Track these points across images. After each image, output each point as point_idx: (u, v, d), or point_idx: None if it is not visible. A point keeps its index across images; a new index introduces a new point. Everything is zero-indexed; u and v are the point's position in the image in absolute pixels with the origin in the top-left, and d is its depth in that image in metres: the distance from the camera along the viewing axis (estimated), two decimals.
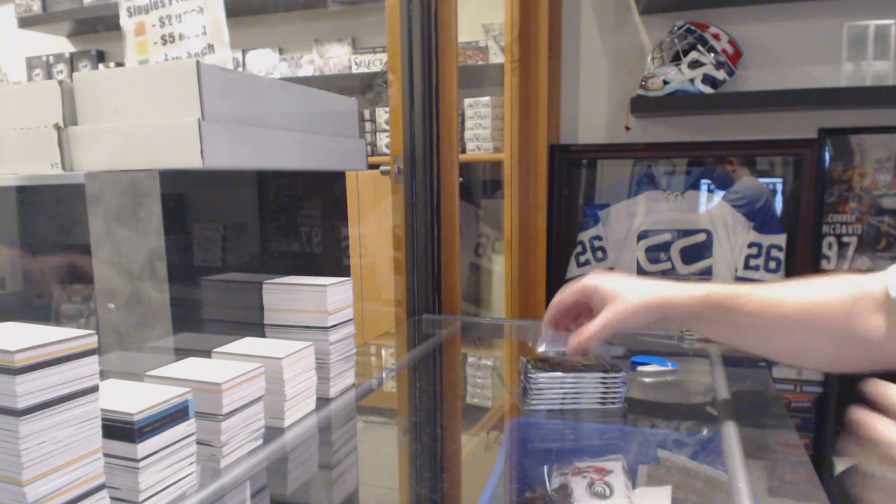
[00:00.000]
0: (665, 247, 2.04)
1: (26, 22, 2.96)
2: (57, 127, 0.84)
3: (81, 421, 0.56)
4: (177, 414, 0.66)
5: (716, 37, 1.88)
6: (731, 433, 0.84)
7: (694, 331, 0.85)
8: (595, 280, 0.84)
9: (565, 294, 0.88)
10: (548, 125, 2.00)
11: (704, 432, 0.92)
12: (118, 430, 0.61)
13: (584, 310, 0.89)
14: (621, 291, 0.81)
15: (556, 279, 2.13)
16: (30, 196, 1.03)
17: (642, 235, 2.06)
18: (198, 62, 0.79)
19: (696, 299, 0.79)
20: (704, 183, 2.03)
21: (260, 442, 0.81)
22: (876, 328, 0.70)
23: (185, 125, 0.79)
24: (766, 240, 1.93)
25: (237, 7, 2.65)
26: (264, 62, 2.77)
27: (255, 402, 0.79)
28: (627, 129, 2.05)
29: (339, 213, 1.27)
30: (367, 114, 2.50)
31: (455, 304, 1.68)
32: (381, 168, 1.78)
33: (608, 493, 0.64)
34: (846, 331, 0.72)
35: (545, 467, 0.77)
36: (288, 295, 0.97)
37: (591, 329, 0.81)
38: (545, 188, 2.03)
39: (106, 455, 0.60)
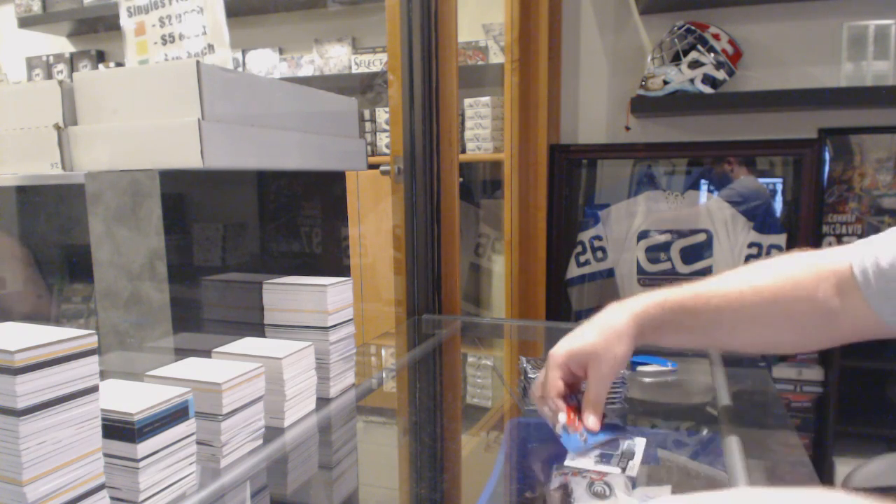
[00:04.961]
0: (665, 247, 2.04)
1: (26, 22, 2.96)
2: (57, 127, 0.84)
3: (81, 421, 0.56)
4: (177, 414, 0.66)
5: (716, 37, 1.88)
6: (731, 433, 0.84)
7: (659, 343, 0.79)
8: (562, 350, 0.78)
9: (550, 378, 0.78)
10: (548, 125, 2.00)
11: (704, 432, 0.92)
12: (118, 430, 0.61)
13: (572, 378, 0.81)
14: (592, 345, 0.76)
15: (556, 279, 2.13)
16: (30, 196, 1.03)
17: (642, 235, 2.06)
18: (198, 62, 0.79)
19: (655, 307, 0.77)
20: (704, 183, 2.03)
21: (260, 442, 0.81)
22: (839, 306, 0.71)
23: (185, 125, 0.79)
24: (766, 240, 1.93)
25: (237, 7, 2.65)
26: (264, 62, 2.77)
27: (255, 402, 0.79)
28: (627, 129, 2.05)
29: (339, 213, 1.27)
30: (367, 114, 2.50)
31: (455, 304, 1.68)
32: (381, 168, 1.78)
33: (608, 493, 0.64)
34: (812, 313, 0.72)
35: (545, 467, 0.77)
36: (288, 295, 0.97)
37: (595, 397, 0.75)
38: (545, 188, 2.03)
39: (106, 455, 0.60)
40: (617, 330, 0.75)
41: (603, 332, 0.76)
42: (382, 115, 2.48)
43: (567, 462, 0.71)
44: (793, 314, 0.73)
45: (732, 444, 0.80)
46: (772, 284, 0.74)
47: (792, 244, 1.94)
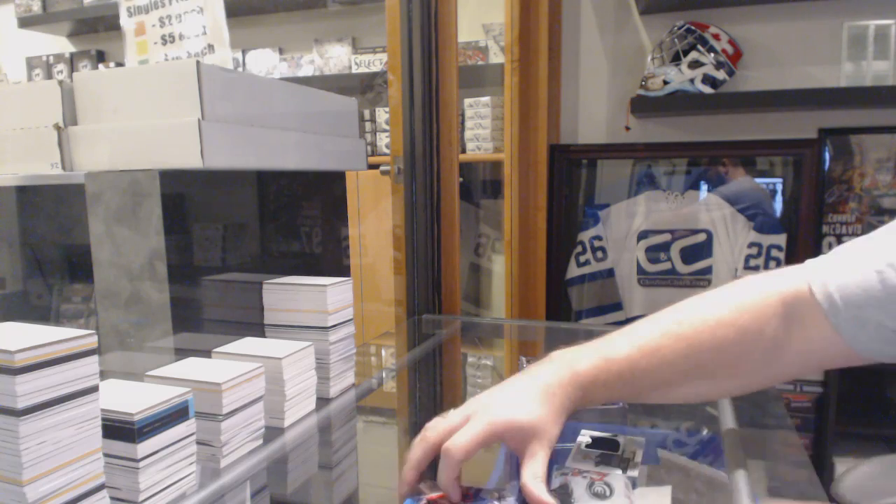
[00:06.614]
0: (665, 247, 2.04)
1: (26, 22, 2.96)
2: (57, 127, 0.84)
3: (81, 421, 0.56)
4: (177, 414, 0.66)
5: (716, 37, 1.88)
6: (731, 433, 0.84)
7: (591, 404, 0.70)
8: (503, 419, 0.63)
9: (469, 447, 0.62)
10: (548, 125, 2.00)
11: (704, 432, 0.92)
12: (118, 430, 0.61)
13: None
14: (541, 419, 0.64)
15: (556, 279, 2.13)
16: (30, 196, 1.03)
17: (642, 235, 2.06)
18: (198, 62, 0.79)
19: (601, 372, 0.67)
20: (704, 183, 2.04)
21: (260, 442, 0.81)
22: (789, 339, 0.65)
23: (185, 125, 0.79)
24: (766, 240, 1.93)
25: (237, 7, 2.65)
26: (264, 62, 2.77)
27: (255, 402, 0.79)
28: (627, 129, 2.05)
29: (339, 213, 1.27)
30: (367, 114, 2.50)
31: (455, 304, 1.68)
32: (381, 168, 1.78)
33: (608, 493, 0.64)
34: (758, 357, 0.66)
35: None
36: (288, 295, 0.97)
37: (539, 473, 0.61)
38: (545, 188, 2.03)
39: (106, 455, 0.60)
40: (562, 403, 0.66)
41: (547, 402, 0.65)
42: (382, 115, 2.49)
43: (568, 462, 0.71)
44: (737, 363, 0.67)
45: (732, 444, 0.80)
46: (717, 337, 0.67)
47: (792, 244, 1.94)
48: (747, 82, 1.97)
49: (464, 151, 2.26)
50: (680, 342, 0.68)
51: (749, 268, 1.94)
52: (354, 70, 2.61)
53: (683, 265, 2.03)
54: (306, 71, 2.71)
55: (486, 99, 2.24)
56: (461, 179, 1.74)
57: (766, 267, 1.93)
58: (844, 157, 1.92)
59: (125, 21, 1.01)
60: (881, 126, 1.89)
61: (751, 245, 1.95)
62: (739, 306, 0.68)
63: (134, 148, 0.82)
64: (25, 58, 3.09)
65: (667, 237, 2.04)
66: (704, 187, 2.03)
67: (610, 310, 2.09)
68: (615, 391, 0.69)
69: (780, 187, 2.00)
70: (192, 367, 0.78)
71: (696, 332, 0.68)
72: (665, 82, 1.87)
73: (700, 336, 0.67)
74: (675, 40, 1.89)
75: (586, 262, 2.10)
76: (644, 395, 0.72)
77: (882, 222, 1.89)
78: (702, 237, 2.01)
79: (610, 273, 2.09)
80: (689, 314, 0.69)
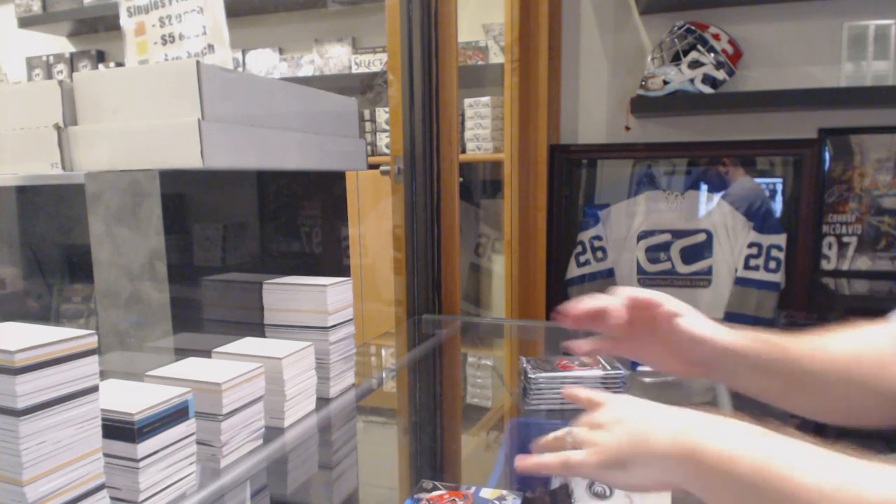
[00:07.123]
0: (665, 247, 2.04)
1: (26, 22, 2.96)
2: (57, 127, 0.84)
3: (81, 421, 0.56)
4: (177, 414, 0.66)
5: (716, 37, 1.88)
6: None
7: (732, 384, 0.78)
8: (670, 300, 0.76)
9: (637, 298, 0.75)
10: (548, 125, 2.00)
11: None
12: (118, 430, 0.61)
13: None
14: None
15: (556, 279, 2.13)
16: (30, 196, 1.03)
17: (642, 235, 2.06)
18: (198, 62, 0.79)
19: (745, 338, 0.74)
20: (704, 183, 2.03)
21: (260, 442, 0.81)
22: None
23: (185, 125, 0.79)
24: (766, 240, 1.93)
25: (237, 7, 2.65)
26: (264, 62, 2.77)
27: (255, 402, 0.79)
28: (627, 129, 2.05)
29: (339, 213, 1.27)
30: (367, 114, 2.50)
31: (455, 304, 1.68)
32: (381, 168, 1.78)
33: (608, 493, 0.64)
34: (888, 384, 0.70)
35: None
36: (288, 295, 0.97)
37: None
38: (545, 188, 2.03)
39: (106, 455, 0.60)
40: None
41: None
42: (382, 115, 2.49)
43: None
44: (873, 384, 0.71)
45: None
46: (848, 350, 0.72)
47: (792, 244, 1.94)
48: (747, 82, 1.97)
49: (464, 151, 2.26)
50: (823, 361, 0.72)
51: (749, 268, 1.94)
52: (354, 70, 2.61)
53: (683, 265, 2.03)
54: (306, 71, 2.71)
55: (486, 99, 2.24)
56: (461, 179, 1.74)
57: (766, 267, 1.93)
58: (844, 157, 1.92)
59: (125, 21, 1.01)
60: (881, 126, 1.88)
61: (751, 245, 1.95)
62: (863, 350, 0.71)
63: (134, 148, 0.82)
64: (25, 58, 3.09)
65: (667, 237, 2.04)
66: (704, 187, 2.03)
67: None
68: (754, 365, 0.73)
69: (780, 187, 2.00)
70: (192, 367, 0.78)
71: (824, 342, 0.72)
72: (665, 82, 1.87)
73: (831, 367, 0.71)
74: (675, 40, 1.89)
75: (586, 262, 2.10)
76: (785, 393, 0.75)
77: (882, 222, 1.90)
78: (702, 237, 2.01)
79: (610, 273, 2.09)
80: (830, 343, 0.73)
